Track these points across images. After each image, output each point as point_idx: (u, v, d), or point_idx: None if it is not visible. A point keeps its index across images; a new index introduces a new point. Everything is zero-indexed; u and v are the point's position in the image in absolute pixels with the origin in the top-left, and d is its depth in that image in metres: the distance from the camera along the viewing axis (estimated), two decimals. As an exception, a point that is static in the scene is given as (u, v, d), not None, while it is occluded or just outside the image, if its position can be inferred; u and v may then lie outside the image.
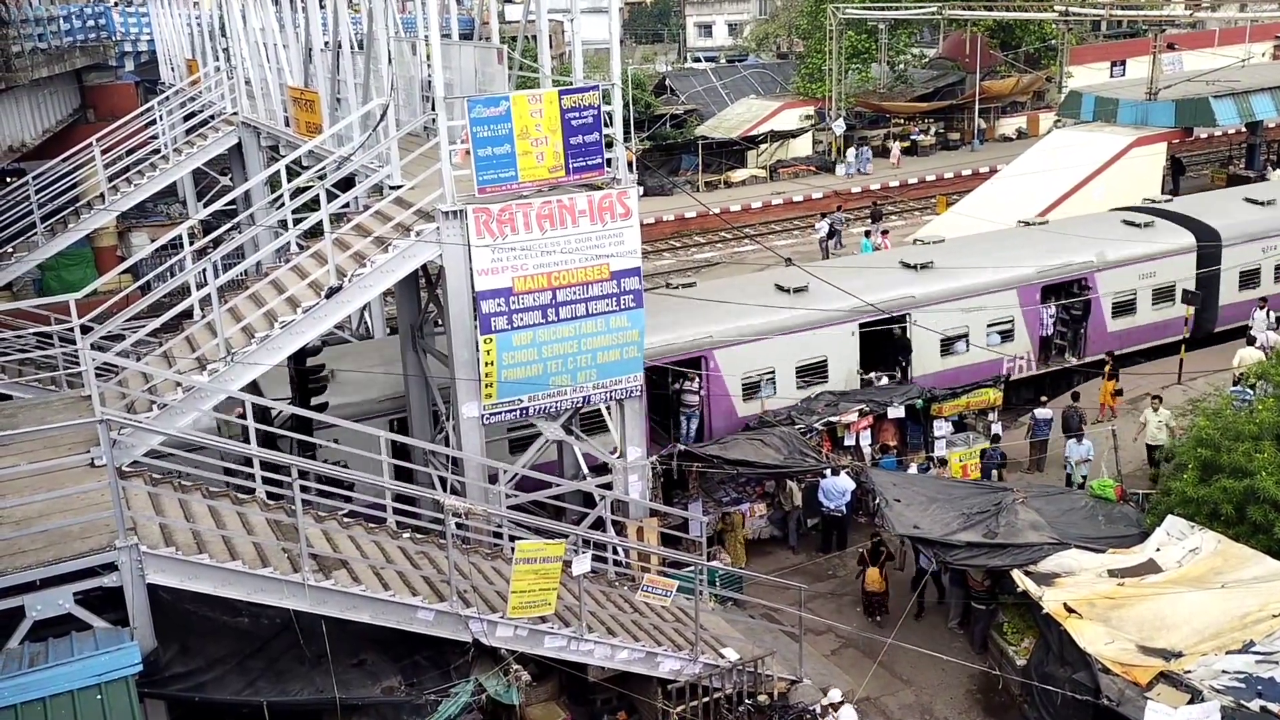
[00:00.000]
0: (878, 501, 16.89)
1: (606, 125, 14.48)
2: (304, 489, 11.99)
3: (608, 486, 15.95)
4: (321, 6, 19.72)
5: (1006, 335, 23.34)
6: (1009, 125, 55.44)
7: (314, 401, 16.58)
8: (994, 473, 19.99)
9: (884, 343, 22.25)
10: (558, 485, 16.05)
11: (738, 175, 48.27)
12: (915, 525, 15.87)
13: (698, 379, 20.36)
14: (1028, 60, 56.22)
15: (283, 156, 19.15)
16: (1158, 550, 14.79)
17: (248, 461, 13.26)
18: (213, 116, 26.37)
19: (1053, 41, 54.66)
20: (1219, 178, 40.06)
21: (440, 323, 16.49)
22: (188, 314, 14.96)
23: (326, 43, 19.43)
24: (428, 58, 15.57)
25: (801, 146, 52.04)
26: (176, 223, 28.29)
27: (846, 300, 20.95)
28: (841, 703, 13.88)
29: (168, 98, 27.70)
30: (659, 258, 38.64)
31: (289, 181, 16.53)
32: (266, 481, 13.27)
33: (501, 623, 12.77)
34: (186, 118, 26.29)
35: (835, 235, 36.45)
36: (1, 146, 27.27)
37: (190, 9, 30.19)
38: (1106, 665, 12.67)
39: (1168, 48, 42.57)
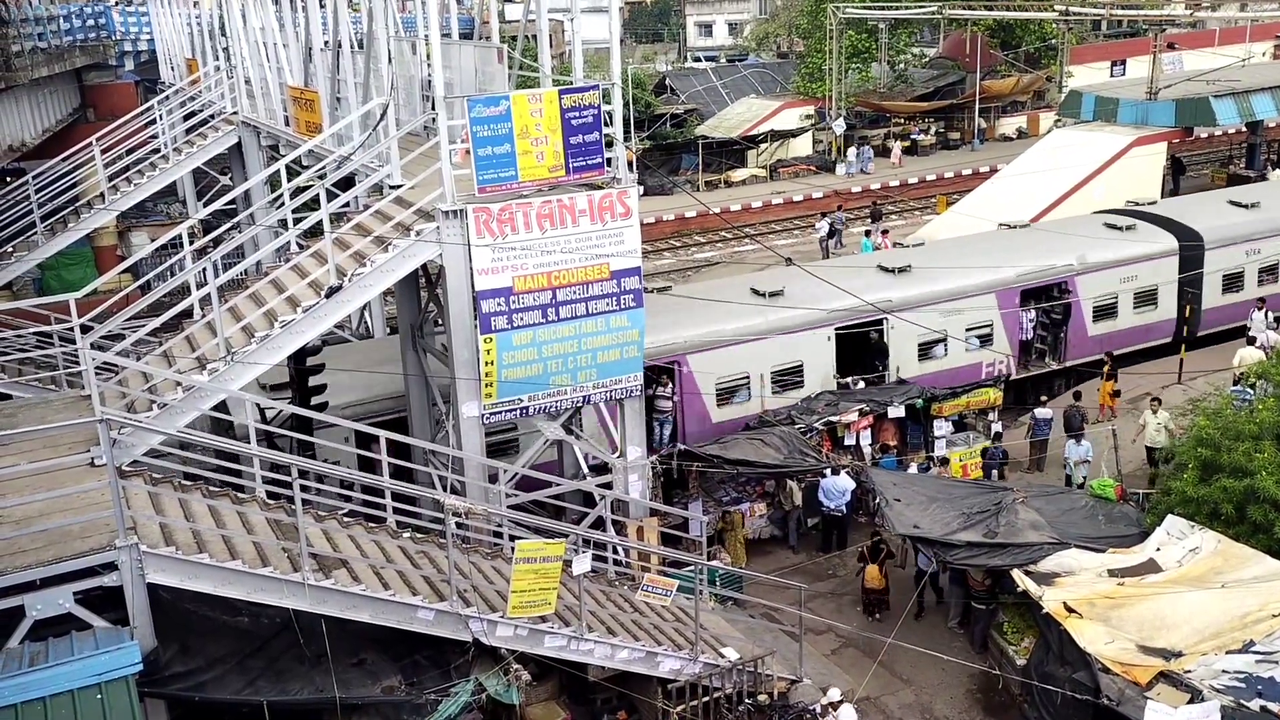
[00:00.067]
0: (878, 501, 16.90)
1: (607, 125, 14.48)
2: (304, 488, 11.99)
3: (608, 486, 15.95)
4: (321, 6, 19.71)
5: (985, 339, 22.97)
6: (1009, 125, 55.42)
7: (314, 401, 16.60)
8: (994, 473, 20.02)
9: (861, 347, 21.97)
10: (558, 485, 16.05)
11: (738, 175, 48.28)
12: (915, 525, 15.87)
13: (670, 384, 20.08)
14: (1028, 60, 56.21)
15: (283, 156, 19.13)
16: (1158, 550, 14.79)
17: (241, 459, 13.25)
18: (212, 116, 26.35)
19: (1053, 41, 54.67)
20: (1219, 177, 40.04)
21: (440, 322, 16.49)
22: (188, 313, 14.98)
23: (326, 42, 19.42)
24: (428, 57, 15.56)
25: (802, 146, 52.04)
26: (176, 222, 28.28)
27: (822, 305, 20.72)
28: (841, 702, 13.89)
29: (167, 97, 27.67)
30: (659, 257, 38.64)
31: (289, 181, 16.52)
32: (266, 481, 13.27)
33: (501, 622, 12.77)
34: (186, 117, 26.27)
35: (835, 235, 36.46)
36: (1, 146, 27.28)
37: (190, 8, 30.16)
38: (1106, 665, 12.67)
39: (1168, 47, 42.56)
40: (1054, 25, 51.52)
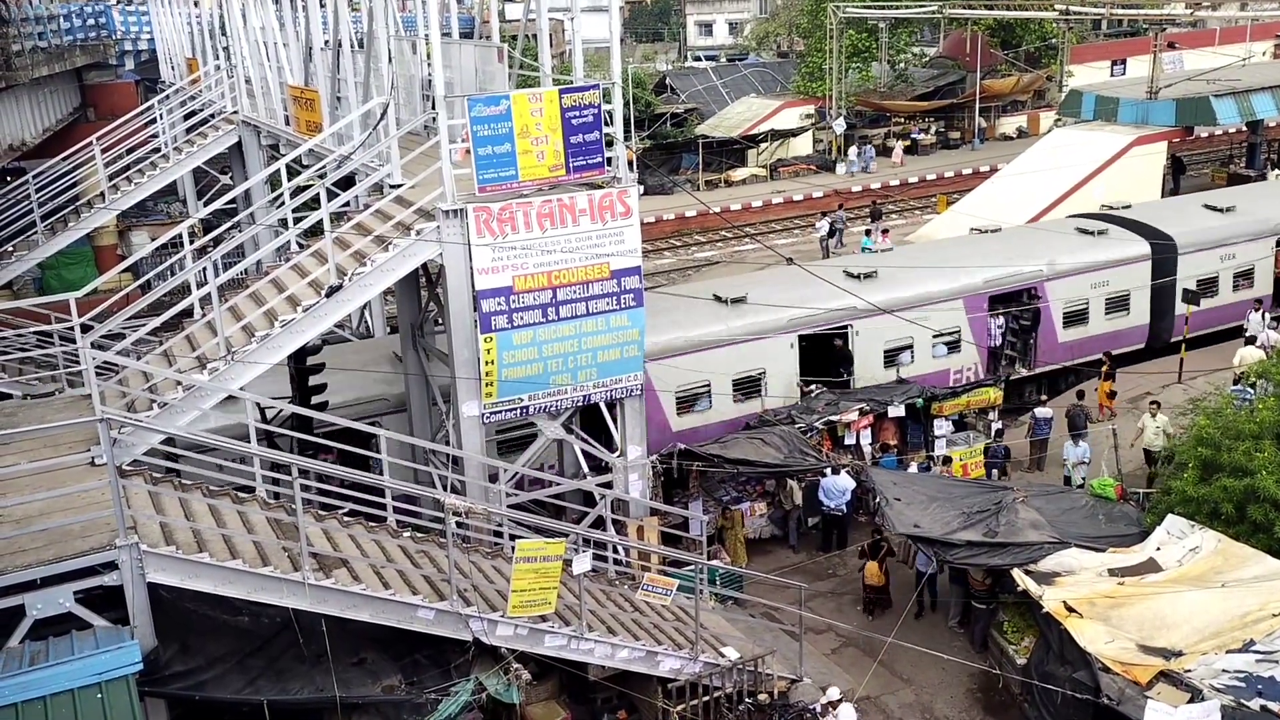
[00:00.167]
0: (878, 500, 16.90)
1: (607, 124, 14.49)
2: (304, 488, 12.00)
3: (608, 485, 15.95)
4: (322, 5, 19.71)
5: (953, 346, 22.73)
6: (1009, 124, 55.40)
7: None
8: (994, 472, 20.02)
9: (826, 354, 21.68)
10: (558, 484, 16.05)
11: (738, 174, 48.27)
12: (915, 524, 15.86)
13: None
14: (1028, 59, 56.20)
15: (283, 155, 19.14)
16: (1158, 549, 14.79)
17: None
18: (213, 115, 26.36)
19: (1053, 40, 54.68)
20: (1219, 177, 40.04)
21: (440, 321, 16.48)
22: (188, 313, 14.99)
23: (326, 41, 19.42)
24: (428, 56, 15.57)
25: (802, 145, 52.03)
26: (177, 221, 28.33)
27: (784, 312, 20.51)
28: (841, 701, 13.89)
29: (168, 96, 27.69)
30: (659, 257, 38.64)
31: (289, 180, 16.53)
32: (268, 480, 13.28)
33: (502, 622, 12.77)
34: (187, 116, 26.29)
35: (836, 234, 36.46)
36: (2, 145, 27.28)
37: (190, 8, 30.19)
38: (1107, 664, 12.67)
39: (1168, 47, 42.52)
40: (1054, 25, 51.52)
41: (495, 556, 14.39)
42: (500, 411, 14.69)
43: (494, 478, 15.12)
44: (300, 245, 16.03)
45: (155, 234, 31.13)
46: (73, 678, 10.20)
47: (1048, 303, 23.70)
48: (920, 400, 20.33)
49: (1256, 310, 24.53)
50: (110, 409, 12.45)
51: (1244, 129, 41.54)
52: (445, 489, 15.16)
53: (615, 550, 15.89)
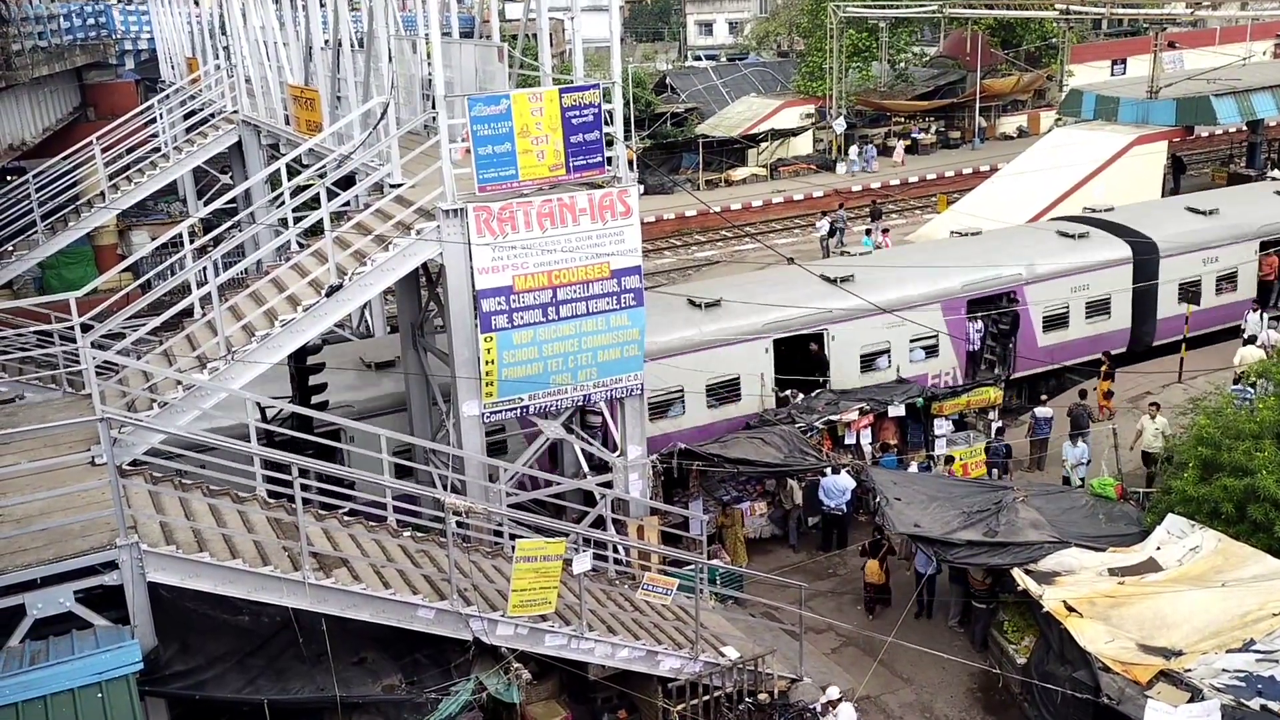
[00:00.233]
0: (878, 500, 16.90)
1: (607, 124, 14.47)
2: (305, 487, 12.00)
3: (608, 485, 15.95)
4: (322, 5, 19.71)
5: (931, 350, 22.52)
6: (1010, 124, 55.41)
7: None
8: (994, 471, 20.02)
9: (802, 359, 21.47)
10: (558, 484, 16.04)
11: (738, 174, 48.27)
12: (916, 524, 15.86)
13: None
14: (1028, 59, 56.21)
15: (283, 155, 19.14)
16: (1158, 549, 14.79)
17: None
18: (213, 115, 26.37)
19: (1053, 40, 54.68)
20: (1220, 176, 40.03)
21: (441, 321, 16.48)
22: (188, 312, 14.98)
23: (327, 41, 19.42)
24: (428, 56, 15.56)
25: (802, 145, 52.05)
26: (177, 221, 28.35)
27: (758, 316, 20.35)
28: (841, 700, 13.89)
29: (168, 96, 27.70)
30: (659, 256, 38.65)
31: (289, 180, 16.52)
32: (270, 480, 13.28)
33: (502, 621, 12.77)
34: (187, 116, 26.29)
35: (836, 234, 36.46)
36: (2, 145, 27.27)
37: (190, 7, 30.21)
38: (1107, 664, 12.67)
39: (1168, 46, 42.56)
40: (1054, 24, 51.52)
41: (495, 556, 14.39)
42: (500, 411, 14.69)
43: (494, 477, 15.12)
44: (300, 245, 16.03)
45: (155, 233, 31.13)
46: (73, 677, 10.20)
47: (1027, 306, 23.48)
48: (920, 400, 20.34)
49: (1254, 310, 24.51)
50: (110, 408, 12.45)
51: (1244, 128, 41.57)
52: (445, 488, 15.16)
53: (615, 550, 15.89)
